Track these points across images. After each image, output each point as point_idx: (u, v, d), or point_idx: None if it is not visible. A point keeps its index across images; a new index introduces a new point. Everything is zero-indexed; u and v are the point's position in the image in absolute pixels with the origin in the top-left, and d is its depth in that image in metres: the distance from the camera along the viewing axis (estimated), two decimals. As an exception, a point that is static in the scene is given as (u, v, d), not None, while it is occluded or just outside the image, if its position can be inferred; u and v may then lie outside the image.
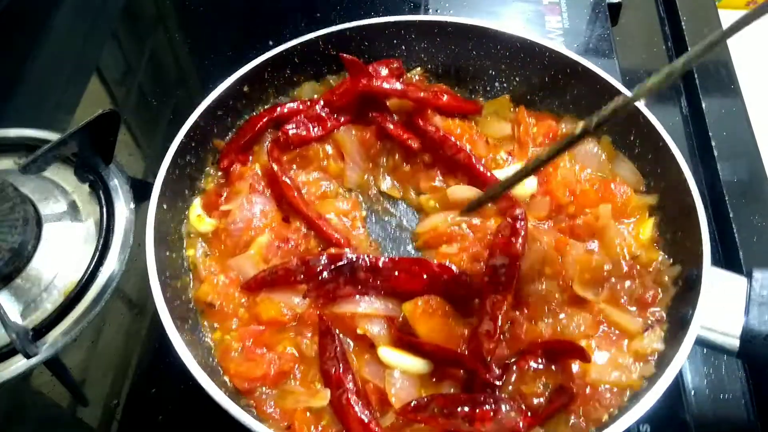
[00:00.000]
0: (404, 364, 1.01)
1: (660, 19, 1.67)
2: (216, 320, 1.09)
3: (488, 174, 1.22)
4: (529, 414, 0.94)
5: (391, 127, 1.27)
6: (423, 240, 1.21)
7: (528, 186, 1.21)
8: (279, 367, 1.01)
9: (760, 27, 1.57)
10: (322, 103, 1.31)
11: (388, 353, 1.02)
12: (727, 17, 1.58)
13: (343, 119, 1.31)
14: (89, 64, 1.62)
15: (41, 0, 1.78)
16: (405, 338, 1.00)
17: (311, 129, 1.29)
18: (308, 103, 1.34)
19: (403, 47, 1.38)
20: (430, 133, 1.25)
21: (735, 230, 1.24)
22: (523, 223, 1.05)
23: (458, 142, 1.23)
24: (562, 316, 1.03)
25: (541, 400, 0.96)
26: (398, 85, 1.27)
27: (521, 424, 0.92)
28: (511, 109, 1.33)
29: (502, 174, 1.23)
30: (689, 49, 1.29)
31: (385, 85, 1.27)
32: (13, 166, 1.39)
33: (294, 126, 1.27)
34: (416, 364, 1.01)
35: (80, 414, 1.10)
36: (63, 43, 1.70)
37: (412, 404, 0.93)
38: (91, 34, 1.72)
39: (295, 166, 1.29)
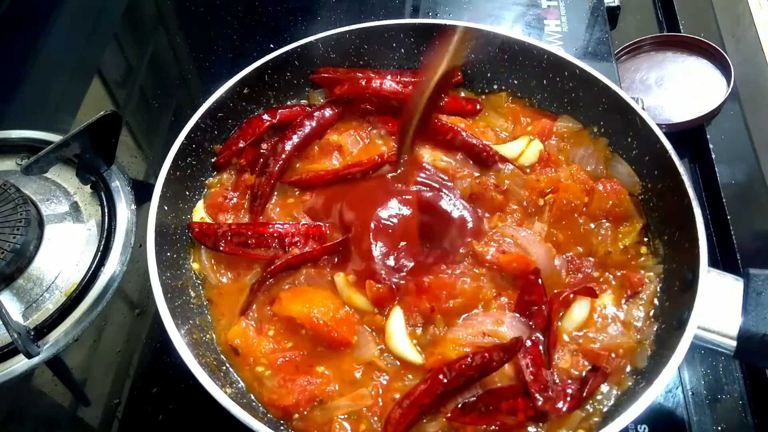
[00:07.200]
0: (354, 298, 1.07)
1: (658, 23, 1.68)
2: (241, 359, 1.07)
3: (491, 151, 1.24)
4: (568, 398, 0.95)
5: (388, 125, 1.31)
6: None
7: (529, 153, 1.24)
8: (313, 390, 1.00)
9: (760, 28, 1.58)
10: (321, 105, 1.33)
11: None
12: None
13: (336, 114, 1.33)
14: (91, 66, 1.63)
15: (42, 2, 1.79)
16: None
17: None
18: (308, 106, 1.35)
19: (402, 50, 1.39)
20: None
21: (733, 232, 1.25)
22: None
23: (454, 126, 1.25)
24: None
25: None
26: (398, 87, 1.29)
27: (564, 408, 0.93)
28: (506, 104, 1.36)
29: (504, 149, 1.26)
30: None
31: (384, 87, 1.28)
32: (16, 167, 1.40)
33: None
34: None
35: (81, 413, 1.10)
36: (64, 45, 1.71)
37: (460, 405, 0.94)
38: (93, 36, 1.73)
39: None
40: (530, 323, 1.04)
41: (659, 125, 1.14)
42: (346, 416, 0.98)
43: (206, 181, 1.28)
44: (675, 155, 1.10)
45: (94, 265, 1.22)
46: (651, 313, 1.07)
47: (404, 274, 1.08)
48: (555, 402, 0.93)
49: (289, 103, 1.39)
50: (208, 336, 1.09)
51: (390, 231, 1.13)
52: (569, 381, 0.98)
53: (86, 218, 1.32)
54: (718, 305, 0.95)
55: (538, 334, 1.03)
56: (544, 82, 1.32)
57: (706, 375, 1.12)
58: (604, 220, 1.17)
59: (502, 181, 1.20)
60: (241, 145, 1.28)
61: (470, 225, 1.15)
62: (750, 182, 1.33)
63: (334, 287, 1.09)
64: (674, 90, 1.47)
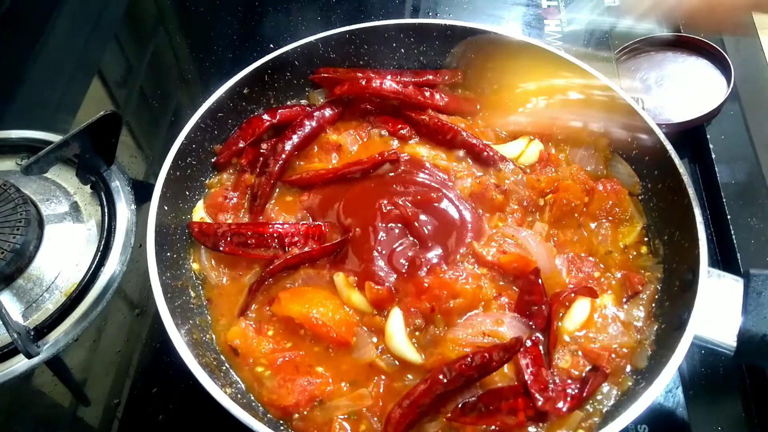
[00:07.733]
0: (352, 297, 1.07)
1: (658, 23, 1.68)
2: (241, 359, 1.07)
3: (491, 151, 1.24)
4: (568, 398, 0.95)
5: (389, 125, 1.32)
6: None
7: (530, 153, 1.25)
8: (313, 390, 1.00)
9: (760, 27, 1.58)
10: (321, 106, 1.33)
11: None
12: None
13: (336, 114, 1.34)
14: (91, 66, 1.63)
15: (42, 2, 1.79)
16: None
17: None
18: (308, 106, 1.36)
19: (402, 50, 1.39)
20: (424, 122, 1.28)
21: (733, 232, 1.24)
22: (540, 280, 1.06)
23: (454, 126, 1.25)
24: None
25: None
26: (398, 87, 1.29)
27: (564, 408, 0.93)
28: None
29: (504, 149, 1.26)
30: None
31: (384, 87, 1.28)
32: (16, 167, 1.40)
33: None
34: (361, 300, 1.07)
35: (81, 413, 1.10)
36: (65, 45, 1.71)
37: (460, 405, 0.95)
38: (93, 36, 1.73)
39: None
40: (530, 323, 1.04)
41: (659, 125, 1.15)
42: (346, 416, 0.98)
43: (206, 181, 1.28)
44: (675, 155, 1.10)
45: (94, 265, 1.22)
46: (651, 313, 1.07)
47: (404, 274, 1.08)
48: (555, 402, 0.94)
49: (289, 103, 1.39)
50: (208, 336, 1.09)
51: (390, 231, 1.13)
52: (569, 381, 0.99)
53: (86, 218, 1.32)
54: (718, 305, 0.95)
55: (538, 334, 1.03)
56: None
57: (706, 374, 1.12)
58: (604, 220, 1.17)
59: (502, 181, 1.20)
60: (241, 145, 1.28)
61: (470, 225, 1.15)
62: (750, 182, 1.33)
63: (333, 287, 1.09)
64: (674, 90, 1.47)
